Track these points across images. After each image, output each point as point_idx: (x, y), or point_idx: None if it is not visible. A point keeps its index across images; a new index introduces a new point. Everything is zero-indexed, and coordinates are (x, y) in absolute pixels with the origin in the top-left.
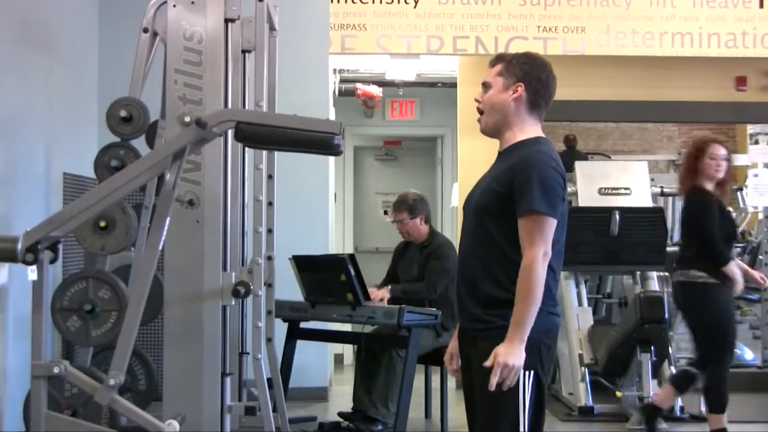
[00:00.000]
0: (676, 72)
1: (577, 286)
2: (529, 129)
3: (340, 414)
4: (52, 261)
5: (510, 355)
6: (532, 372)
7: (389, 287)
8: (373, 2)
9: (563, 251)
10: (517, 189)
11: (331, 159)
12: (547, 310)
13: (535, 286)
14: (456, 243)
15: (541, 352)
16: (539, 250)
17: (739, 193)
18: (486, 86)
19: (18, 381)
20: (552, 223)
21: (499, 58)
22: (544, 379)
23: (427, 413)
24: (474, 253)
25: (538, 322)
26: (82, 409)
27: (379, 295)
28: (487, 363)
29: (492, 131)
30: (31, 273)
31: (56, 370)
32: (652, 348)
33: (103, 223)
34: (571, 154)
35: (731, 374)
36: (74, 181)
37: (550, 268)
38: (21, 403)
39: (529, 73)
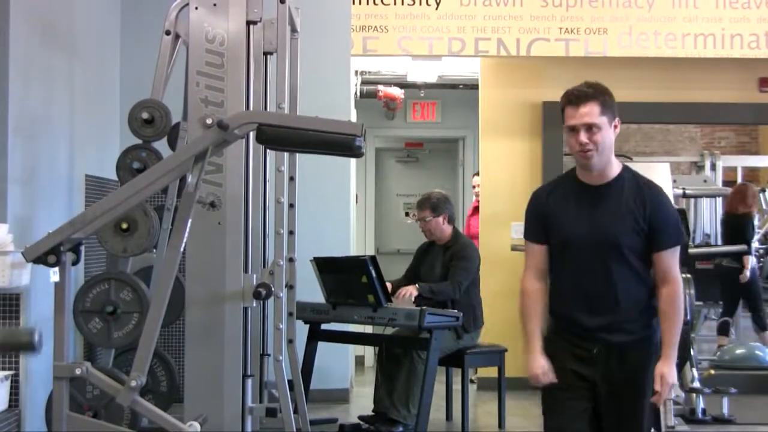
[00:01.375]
0: (698, 73)
1: None
2: (615, 158)
3: (361, 417)
4: (75, 263)
5: (672, 375)
6: None
7: (417, 285)
8: (395, 4)
9: None
10: (661, 225)
11: (353, 161)
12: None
13: (681, 309)
14: (477, 242)
15: None
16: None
17: (762, 194)
18: (594, 127)
19: (40, 382)
20: None
21: (590, 97)
22: None
23: (448, 415)
24: (613, 283)
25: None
26: (103, 410)
27: (408, 290)
28: (657, 387)
29: (600, 169)
30: (54, 275)
31: (78, 371)
32: None
33: (125, 225)
34: None
35: (753, 377)
36: (96, 183)
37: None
38: (43, 404)
39: (615, 106)
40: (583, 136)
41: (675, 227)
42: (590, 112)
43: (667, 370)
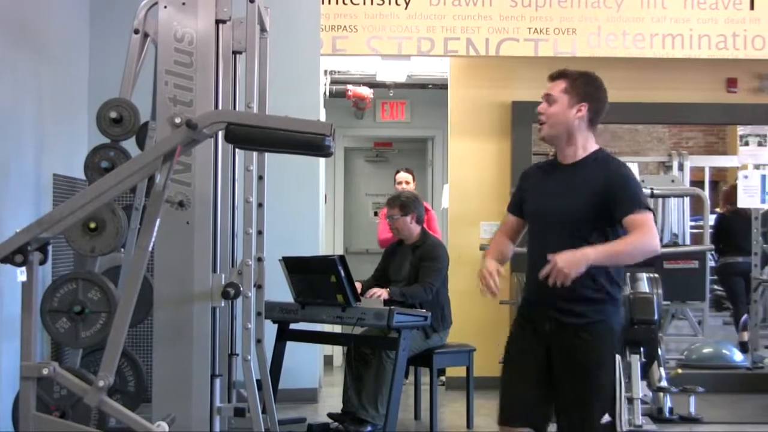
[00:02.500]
0: (666, 73)
1: None
2: (591, 143)
3: (330, 415)
4: (42, 262)
5: (569, 261)
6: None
7: (388, 289)
8: (364, 3)
9: None
10: (619, 195)
11: (322, 160)
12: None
13: (637, 245)
14: (446, 243)
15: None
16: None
17: None
18: (550, 99)
19: (9, 381)
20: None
21: (562, 75)
22: None
23: (417, 414)
24: None
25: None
26: (71, 410)
27: (379, 291)
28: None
29: (551, 140)
30: (21, 274)
31: (45, 371)
32: (642, 349)
33: (93, 225)
34: None
35: (720, 376)
36: (64, 182)
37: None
38: (10, 404)
39: (591, 94)
40: (541, 106)
41: (634, 193)
42: (555, 86)
43: (570, 255)
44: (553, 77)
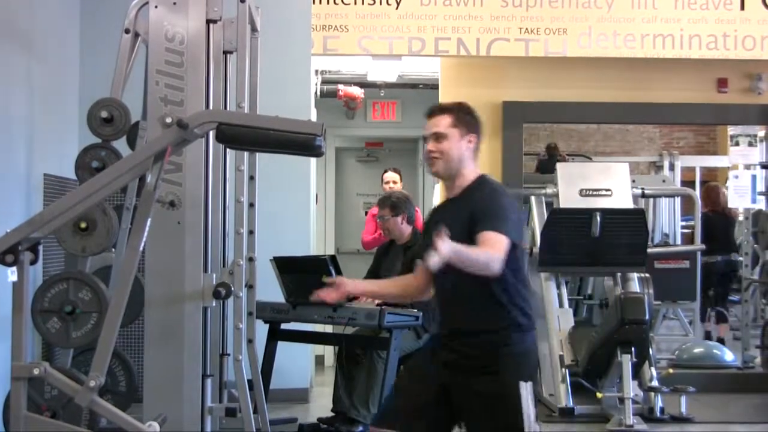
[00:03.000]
0: (657, 74)
1: (558, 287)
2: (475, 171)
3: (320, 419)
4: (33, 262)
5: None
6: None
7: None
8: (355, 3)
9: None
10: (482, 210)
11: (313, 160)
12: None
13: (481, 257)
14: None
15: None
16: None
17: None
18: (439, 136)
19: None
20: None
21: (444, 110)
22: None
23: None
24: (459, 296)
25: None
26: (62, 410)
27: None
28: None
29: (446, 176)
30: (11, 274)
31: (36, 371)
32: (633, 349)
33: (83, 225)
34: (554, 162)
35: (711, 375)
36: (55, 182)
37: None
38: (0, 404)
39: (475, 125)
40: (431, 145)
41: (501, 216)
42: (441, 122)
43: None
44: (435, 113)
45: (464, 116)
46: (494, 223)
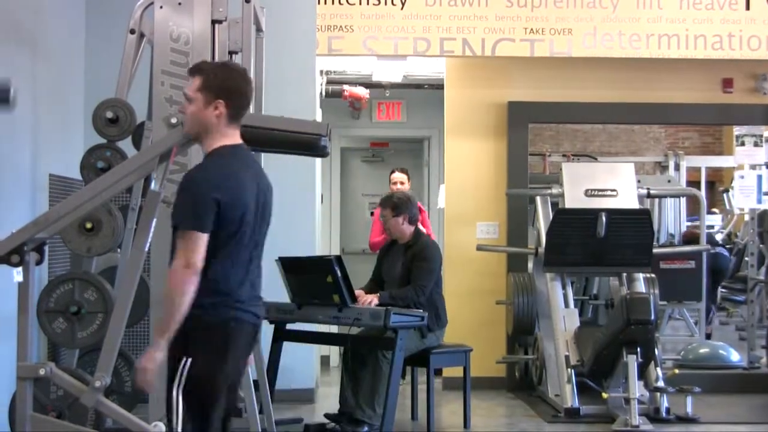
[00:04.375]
0: (662, 74)
1: (564, 287)
2: (219, 140)
3: (327, 415)
4: (38, 262)
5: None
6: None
7: (378, 294)
8: (360, 3)
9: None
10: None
11: (318, 160)
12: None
13: (170, 297)
14: (442, 243)
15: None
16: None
17: (725, 194)
18: (188, 98)
19: (4, 382)
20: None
21: (197, 71)
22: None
23: (414, 415)
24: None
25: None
26: (67, 411)
27: (368, 299)
28: None
29: (195, 138)
30: (17, 275)
31: (42, 371)
32: (639, 349)
33: (89, 225)
34: None
35: (717, 376)
36: (60, 182)
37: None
38: (6, 404)
39: (229, 89)
40: (183, 105)
41: (177, 205)
42: (192, 85)
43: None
44: (190, 72)
45: (217, 79)
46: (175, 213)
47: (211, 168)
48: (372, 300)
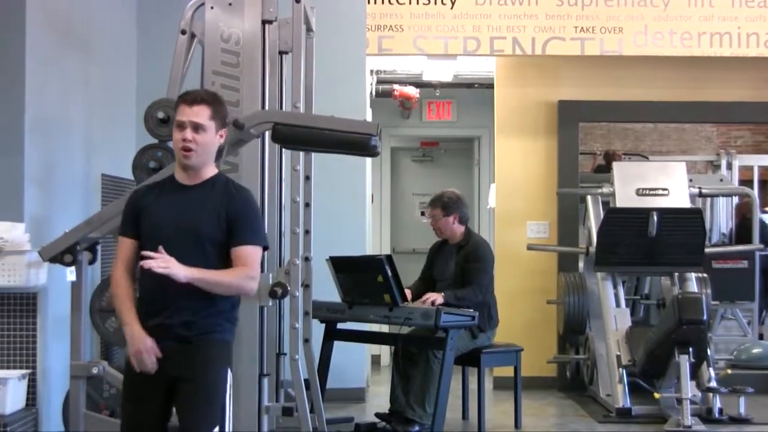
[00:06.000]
0: (714, 72)
1: (615, 287)
2: (213, 166)
3: (377, 415)
4: (91, 262)
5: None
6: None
7: (443, 293)
8: (410, 3)
9: None
10: (241, 221)
11: (369, 160)
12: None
13: (234, 282)
14: (492, 243)
15: None
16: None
17: None
18: (199, 128)
19: (57, 381)
20: None
21: (203, 101)
22: None
23: (465, 414)
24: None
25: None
26: (119, 409)
27: (434, 297)
28: None
29: (197, 168)
30: (70, 274)
31: (95, 370)
32: (691, 349)
33: None
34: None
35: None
36: (112, 182)
37: None
38: (60, 403)
39: (226, 117)
40: (188, 134)
41: (255, 227)
42: (201, 113)
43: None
44: (195, 101)
45: (221, 109)
46: (251, 235)
47: None
48: (436, 299)
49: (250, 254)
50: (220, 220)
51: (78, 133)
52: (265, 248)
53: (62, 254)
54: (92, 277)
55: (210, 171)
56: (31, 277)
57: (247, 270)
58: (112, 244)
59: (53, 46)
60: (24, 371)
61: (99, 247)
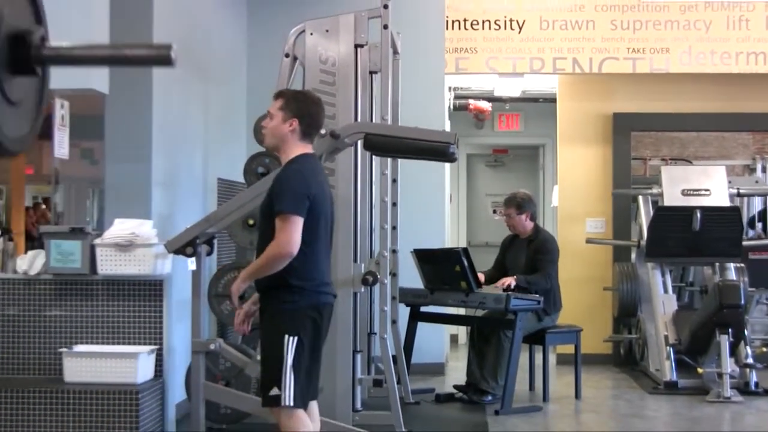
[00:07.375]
0: (750, 87)
1: (663, 275)
2: (296, 150)
3: (455, 386)
4: (209, 253)
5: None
6: (295, 337)
7: (515, 276)
8: (483, 28)
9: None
10: (270, 193)
11: (447, 165)
12: (313, 288)
13: (268, 259)
14: (556, 237)
15: (305, 321)
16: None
17: None
18: (270, 116)
19: (181, 357)
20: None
21: (280, 95)
22: (306, 344)
23: (531, 386)
24: (261, 244)
25: (305, 298)
26: (234, 380)
27: (508, 280)
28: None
29: (272, 149)
30: (191, 264)
31: (212, 346)
32: (730, 330)
33: (251, 221)
34: None
35: None
36: (226, 185)
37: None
38: (183, 374)
39: (302, 110)
40: (265, 121)
41: (279, 196)
42: (275, 104)
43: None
44: (275, 96)
45: (293, 102)
46: (277, 202)
47: (301, 168)
48: (510, 282)
49: (276, 223)
50: (269, 197)
51: (197, 143)
52: (294, 214)
53: (184, 247)
54: (210, 267)
55: (289, 155)
56: (158, 266)
57: (273, 243)
58: (226, 238)
59: (178, 69)
60: (152, 347)
61: (215, 241)
